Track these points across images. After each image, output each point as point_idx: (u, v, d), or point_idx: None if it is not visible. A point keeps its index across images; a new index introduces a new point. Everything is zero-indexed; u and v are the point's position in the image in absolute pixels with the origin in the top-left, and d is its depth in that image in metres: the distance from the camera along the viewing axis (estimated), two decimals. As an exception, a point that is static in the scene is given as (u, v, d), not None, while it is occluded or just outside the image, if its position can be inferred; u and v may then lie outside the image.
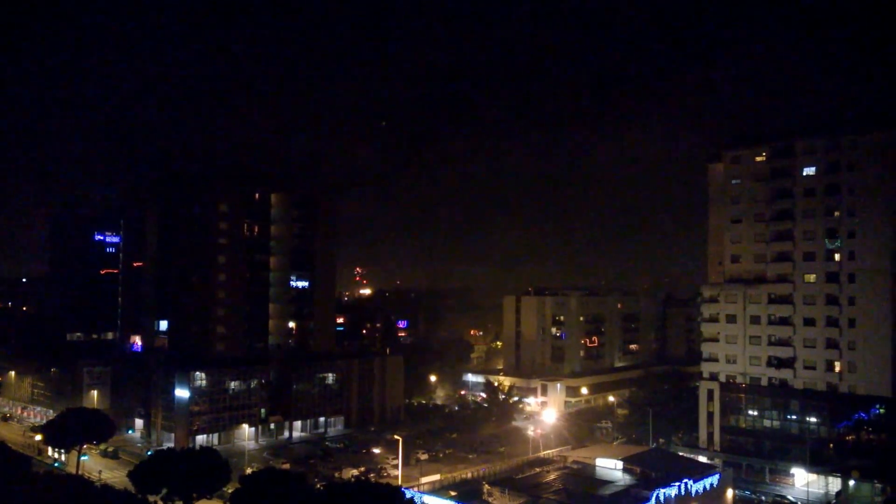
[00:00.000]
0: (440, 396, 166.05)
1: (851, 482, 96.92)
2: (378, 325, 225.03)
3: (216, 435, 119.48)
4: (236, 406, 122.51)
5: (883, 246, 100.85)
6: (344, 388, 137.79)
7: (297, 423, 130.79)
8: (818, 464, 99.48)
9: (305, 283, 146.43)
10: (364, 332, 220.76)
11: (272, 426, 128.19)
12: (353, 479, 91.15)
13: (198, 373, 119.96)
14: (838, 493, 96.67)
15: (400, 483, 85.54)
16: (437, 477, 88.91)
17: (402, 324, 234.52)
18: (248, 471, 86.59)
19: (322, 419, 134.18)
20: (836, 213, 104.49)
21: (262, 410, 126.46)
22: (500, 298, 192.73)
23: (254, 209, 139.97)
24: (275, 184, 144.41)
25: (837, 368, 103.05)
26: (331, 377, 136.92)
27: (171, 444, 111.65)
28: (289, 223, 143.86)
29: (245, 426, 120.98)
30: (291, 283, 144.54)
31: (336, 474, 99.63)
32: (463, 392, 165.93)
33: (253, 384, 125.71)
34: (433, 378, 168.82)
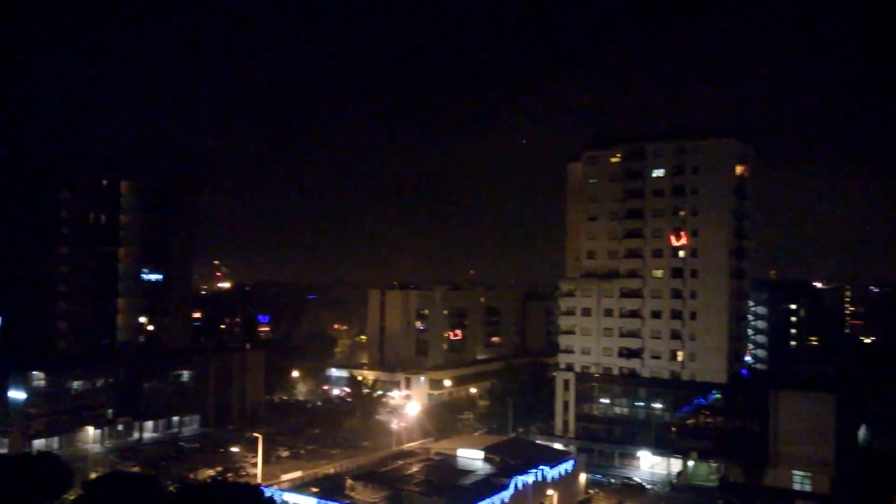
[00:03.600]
0: (302, 392, 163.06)
1: (691, 462, 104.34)
2: (238, 320, 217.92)
3: (56, 439, 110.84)
4: (79, 407, 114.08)
5: (721, 244, 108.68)
6: (200, 386, 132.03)
7: (149, 424, 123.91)
8: (662, 447, 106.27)
9: (159, 277, 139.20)
10: (223, 327, 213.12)
11: (120, 427, 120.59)
12: (209, 480, 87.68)
13: (35, 372, 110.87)
14: (679, 473, 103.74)
15: (259, 481, 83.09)
16: (298, 474, 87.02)
17: (263, 318, 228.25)
18: (93, 475, 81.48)
19: (176, 418, 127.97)
20: (682, 213, 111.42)
21: (109, 411, 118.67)
22: (364, 293, 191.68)
23: (101, 197, 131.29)
24: (125, 171, 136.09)
25: (680, 358, 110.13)
26: (186, 374, 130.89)
27: (5, 450, 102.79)
28: (141, 213, 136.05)
29: (90, 428, 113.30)
30: (143, 276, 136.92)
31: (191, 475, 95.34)
32: (326, 387, 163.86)
33: (99, 383, 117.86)
34: (295, 374, 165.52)
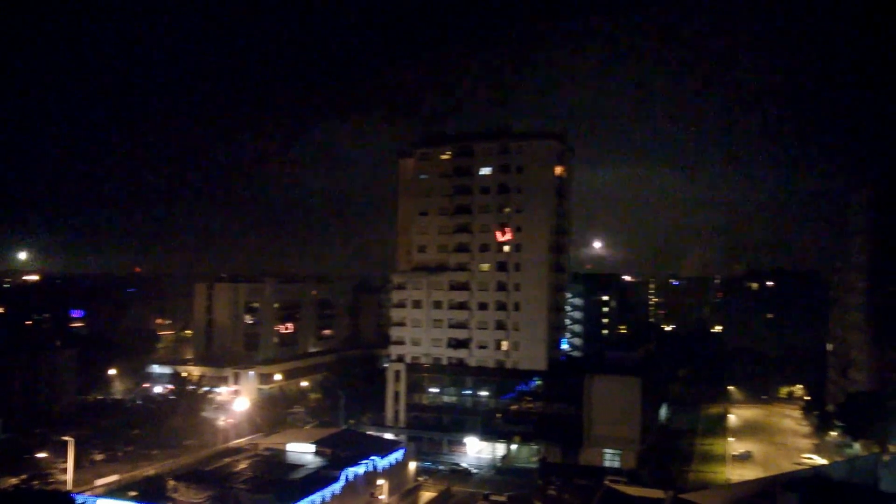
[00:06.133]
0: (121, 391, 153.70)
1: (514, 446, 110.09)
2: (47, 315, 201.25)
3: None
4: None
5: (542, 239, 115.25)
6: (2, 388, 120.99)
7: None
8: (488, 433, 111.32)
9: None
10: (30, 323, 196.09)
11: None
12: (11, 489, 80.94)
13: None
14: (503, 457, 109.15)
15: (70, 488, 77.96)
16: (115, 478, 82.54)
17: (76, 313, 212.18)
18: None
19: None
20: (507, 210, 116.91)
21: None
22: (190, 286, 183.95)
23: None
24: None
25: (505, 347, 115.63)
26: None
27: None
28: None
29: None
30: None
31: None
32: (147, 385, 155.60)
33: None
34: (113, 371, 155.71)
